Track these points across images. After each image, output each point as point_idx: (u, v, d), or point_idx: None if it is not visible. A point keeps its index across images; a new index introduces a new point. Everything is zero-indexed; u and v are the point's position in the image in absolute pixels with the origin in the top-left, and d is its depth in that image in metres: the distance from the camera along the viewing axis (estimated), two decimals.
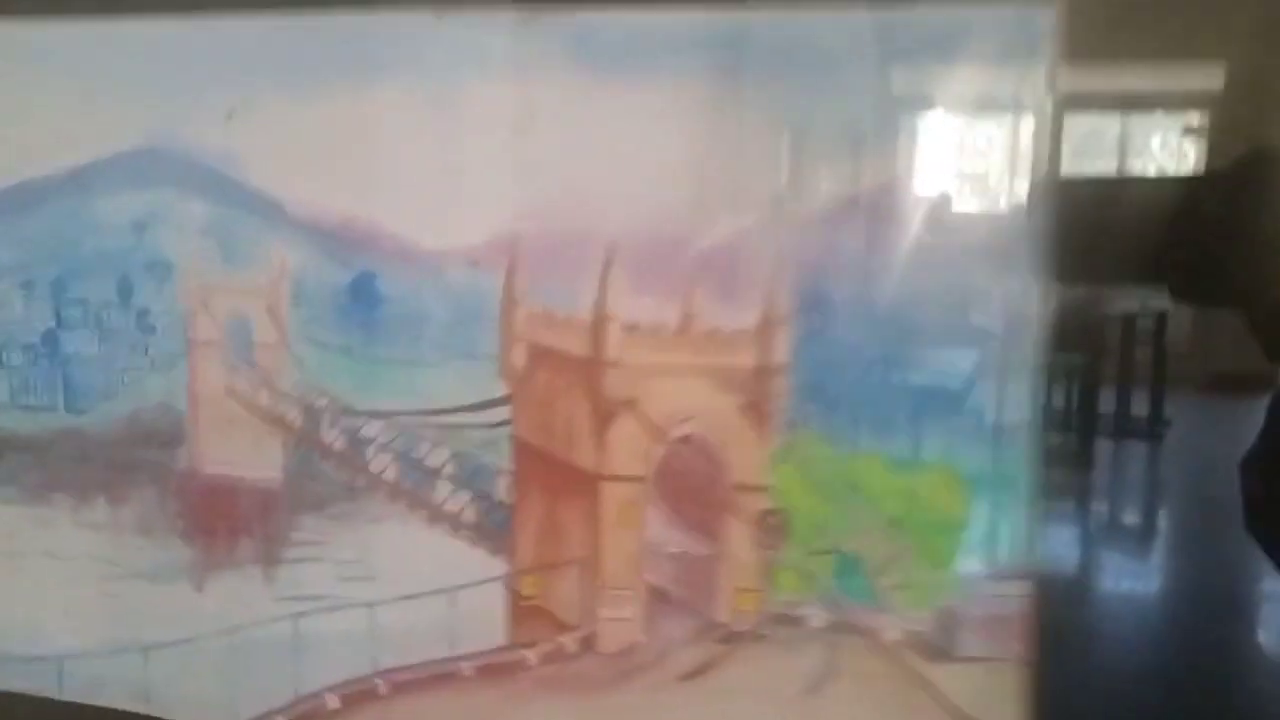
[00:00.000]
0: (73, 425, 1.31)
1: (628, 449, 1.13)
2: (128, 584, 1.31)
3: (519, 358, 1.14)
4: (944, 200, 1.06)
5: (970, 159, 1.06)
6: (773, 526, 1.10)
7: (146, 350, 1.26)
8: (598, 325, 1.11)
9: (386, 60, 1.13)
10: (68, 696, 1.35)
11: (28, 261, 1.28)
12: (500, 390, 1.16)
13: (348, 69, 1.15)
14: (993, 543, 1.06)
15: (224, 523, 1.27)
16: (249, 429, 1.25)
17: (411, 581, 1.20)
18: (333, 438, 1.23)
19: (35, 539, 1.34)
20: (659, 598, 1.15)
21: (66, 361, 1.29)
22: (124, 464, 1.29)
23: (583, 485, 1.15)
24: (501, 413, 1.16)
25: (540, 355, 1.14)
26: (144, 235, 1.24)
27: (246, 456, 1.25)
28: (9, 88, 1.26)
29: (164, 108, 1.21)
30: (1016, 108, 1.02)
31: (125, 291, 1.25)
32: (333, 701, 1.25)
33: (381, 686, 1.23)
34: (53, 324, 1.29)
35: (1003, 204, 1.04)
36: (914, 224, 1.01)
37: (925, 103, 1.06)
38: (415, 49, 1.13)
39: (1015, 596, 1.05)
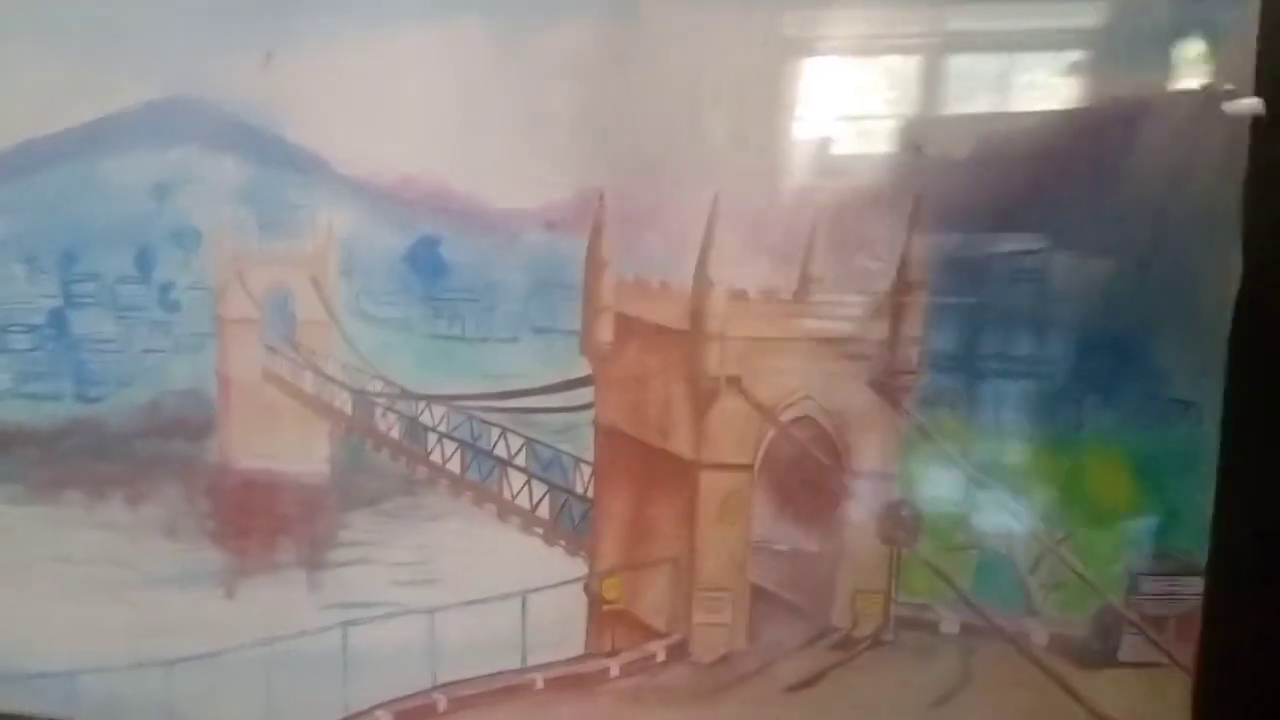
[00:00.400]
0: (85, 415, 1.21)
1: (732, 434, 1.04)
2: (149, 591, 1.22)
3: (605, 332, 1.06)
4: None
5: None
6: (903, 520, 1.00)
7: (170, 330, 1.17)
8: (699, 293, 1.01)
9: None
10: (81, 717, 1.25)
11: (30, 231, 1.18)
12: (582, 369, 1.07)
13: (405, 4, 1.05)
14: (1163, 534, 0.96)
15: (261, 522, 1.18)
16: (290, 417, 1.18)
17: (477, 585, 1.11)
18: (387, 426, 1.16)
19: (44, 542, 1.24)
20: (763, 600, 1.07)
21: (77, 344, 1.19)
22: (145, 458, 1.20)
23: (678, 475, 1.06)
24: (583, 395, 1.07)
25: (630, 329, 1.05)
26: (166, 200, 1.14)
27: (287, 448, 1.17)
28: (8, 37, 1.14)
29: (188, 53, 1.10)
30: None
31: (145, 264, 1.16)
32: (385, 719, 1.15)
33: (441, 702, 1.14)
34: (60, 302, 1.19)
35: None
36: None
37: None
38: None
39: (1188, 595, 0.94)
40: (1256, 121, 0.86)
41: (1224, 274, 0.89)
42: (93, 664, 1.24)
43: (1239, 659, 0.97)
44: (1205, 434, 0.91)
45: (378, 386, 1.12)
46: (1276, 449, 0.88)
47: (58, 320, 1.19)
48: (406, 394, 1.12)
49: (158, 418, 1.19)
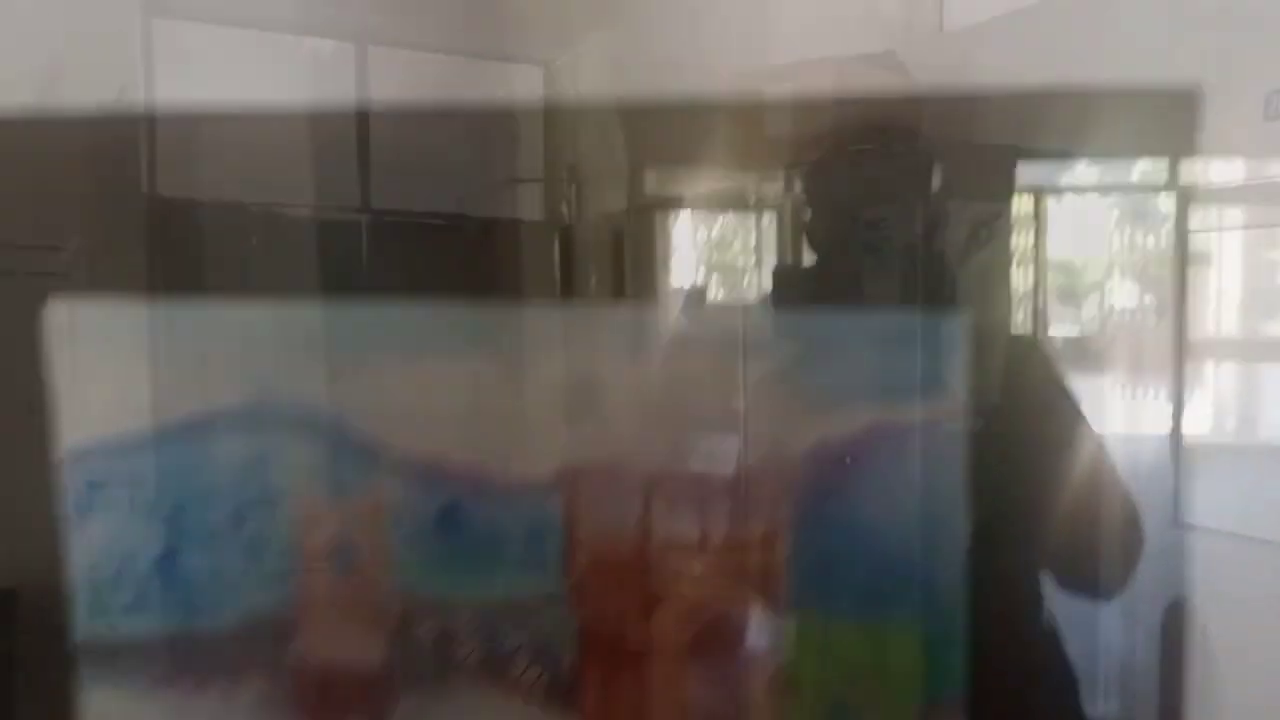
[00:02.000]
0: (183, 632, 1.48)
1: (670, 628, 1.42)
2: None
3: (581, 561, 1.43)
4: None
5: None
6: (782, 683, 1.40)
7: (260, 569, 1.46)
8: (642, 540, 1.42)
9: (483, 337, 1.44)
10: None
11: (145, 497, 1.46)
12: (562, 589, 1.43)
13: (448, 342, 1.43)
14: (937, 677, 1.39)
15: (330, 697, 1.48)
16: (353, 626, 1.47)
17: None
18: (426, 630, 1.46)
19: None
20: None
21: (179, 583, 1.47)
22: (233, 662, 1.48)
23: (634, 655, 1.44)
24: (567, 605, 1.44)
25: (598, 559, 1.43)
26: (254, 472, 1.44)
27: (350, 649, 1.47)
28: (128, 362, 1.46)
29: (273, 371, 1.44)
30: None
31: (238, 521, 1.45)
32: None
33: None
34: (168, 547, 1.47)
35: None
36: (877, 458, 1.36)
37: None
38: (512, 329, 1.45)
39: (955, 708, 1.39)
40: None
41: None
42: None
43: None
44: (957, 628, 1.36)
45: (418, 602, 1.45)
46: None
47: (166, 560, 1.47)
48: (441, 605, 1.45)
49: (245, 633, 1.46)
